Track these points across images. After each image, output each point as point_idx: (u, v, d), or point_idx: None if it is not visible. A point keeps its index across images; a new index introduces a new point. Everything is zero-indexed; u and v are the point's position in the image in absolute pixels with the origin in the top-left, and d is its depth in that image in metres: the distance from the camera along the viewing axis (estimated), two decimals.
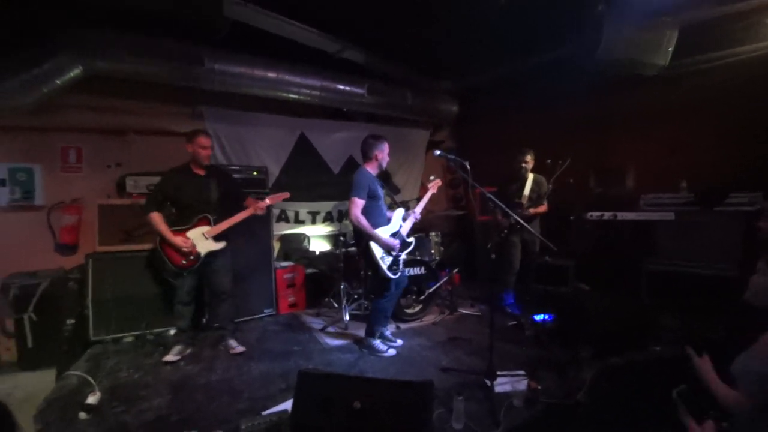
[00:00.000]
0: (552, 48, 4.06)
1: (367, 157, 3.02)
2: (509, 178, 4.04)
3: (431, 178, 3.36)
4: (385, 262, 2.91)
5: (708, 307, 3.11)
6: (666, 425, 1.91)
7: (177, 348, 3.04)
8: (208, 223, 2.96)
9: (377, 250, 2.89)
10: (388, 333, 3.26)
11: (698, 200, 3.53)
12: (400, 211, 3.13)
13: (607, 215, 3.87)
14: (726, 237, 3.29)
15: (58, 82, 3.14)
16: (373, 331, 3.08)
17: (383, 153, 3.01)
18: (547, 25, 3.68)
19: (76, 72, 3.21)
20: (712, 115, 3.79)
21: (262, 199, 3.13)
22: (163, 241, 2.85)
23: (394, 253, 2.96)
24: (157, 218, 2.83)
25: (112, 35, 3.30)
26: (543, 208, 3.87)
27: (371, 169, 3.02)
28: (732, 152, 3.62)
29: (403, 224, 3.10)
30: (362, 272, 3.97)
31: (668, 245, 3.65)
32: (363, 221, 2.85)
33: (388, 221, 3.05)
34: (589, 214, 3.99)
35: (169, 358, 2.96)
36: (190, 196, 2.92)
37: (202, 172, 2.99)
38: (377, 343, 3.06)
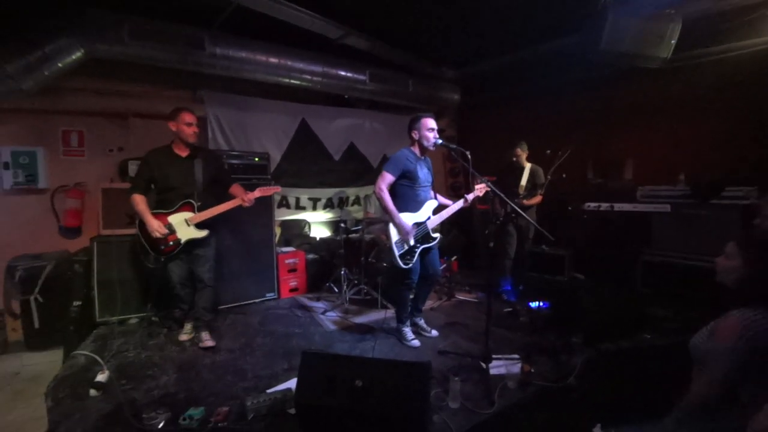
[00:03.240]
0: (555, 38, 4.07)
1: (409, 138, 2.98)
2: (507, 168, 4.13)
3: (479, 180, 3.05)
4: (398, 248, 2.80)
5: (702, 298, 3.17)
6: (651, 409, 2.00)
7: (189, 326, 3.10)
8: (192, 209, 2.80)
9: (393, 235, 2.80)
10: (422, 323, 3.21)
11: (695, 193, 3.59)
12: (432, 203, 2.99)
13: (605, 206, 3.93)
14: (721, 230, 3.35)
15: (59, 64, 3.13)
16: (401, 318, 3.06)
17: (420, 131, 2.87)
18: (551, 15, 3.68)
19: (77, 55, 3.20)
20: (711, 109, 3.83)
21: (257, 186, 3.02)
22: (143, 225, 2.74)
23: (411, 243, 2.83)
24: (138, 200, 2.73)
25: (113, 18, 3.27)
26: (538, 199, 3.92)
27: (413, 149, 2.93)
28: (729, 147, 3.67)
29: (432, 216, 2.95)
30: (362, 258, 4.03)
31: (664, 237, 3.73)
32: (384, 195, 2.77)
33: (417, 208, 2.91)
34: (587, 204, 4.05)
35: (184, 337, 3.03)
36: (174, 179, 2.78)
37: (185, 153, 2.84)
38: (406, 330, 3.03)
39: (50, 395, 2.26)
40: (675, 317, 3.25)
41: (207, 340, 2.94)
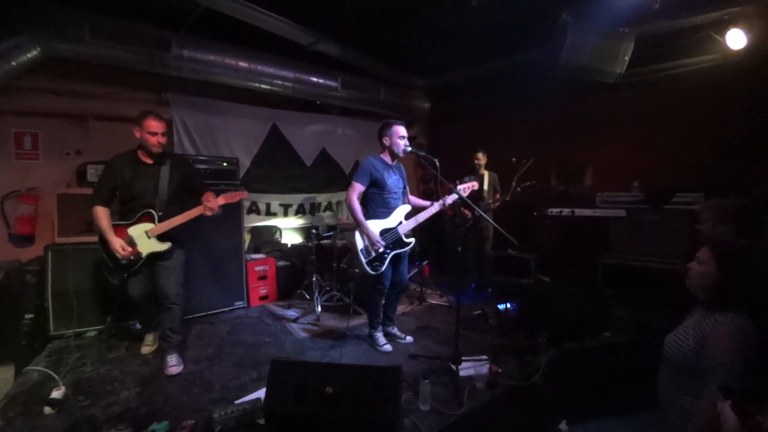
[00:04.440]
0: (520, 51, 4.27)
1: (380, 144, 2.98)
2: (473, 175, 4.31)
3: (466, 179, 3.02)
4: (364, 255, 2.80)
5: (657, 298, 3.38)
6: (613, 404, 2.12)
7: (150, 337, 3.00)
8: (152, 221, 2.58)
9: (359, 241, 2.81)
10: (395, 331, 3.22)
11: (648, 199, 3.84)
12: (404, 208, 2.97)
13: (566, 211, 4.13)
14: (672, 233, 3.60)
15: (13, 63, 2.98)
16: (372, 323, 3.07)
17: (391, 138, 2.87)
18: (516, 30, 3.86)
19: (33, 53, 3.05)
20: (662, 120, 4.12)
21: (225, 192, 2.77)
22: (104, 238, 2.54)
23: (380, 249, 2.80)
24: (100, 213, 2.51)
25: (74, 15, 3.15)
26: (499, 202, 4.32)
27: (383, 156, 2.95)
28: (679, 155, 3.96)
29: (404, 221, 2.93)
30: (334, 264, 4.02)
31: (622, 240, 3.95)
32: (353, 204, 2.79)
33: (387, 215, 2.90)
34: (550, 210, 4.25)
35: (146, 349, 2.92)
36: (136, 188, 2.58)
37: (150, 161, 2.63)
38: (378, 335, 3.05)
39: (1, 413, 2.12)
40: (632, 317, 3.45)
41: (173, 365, 2.62)
